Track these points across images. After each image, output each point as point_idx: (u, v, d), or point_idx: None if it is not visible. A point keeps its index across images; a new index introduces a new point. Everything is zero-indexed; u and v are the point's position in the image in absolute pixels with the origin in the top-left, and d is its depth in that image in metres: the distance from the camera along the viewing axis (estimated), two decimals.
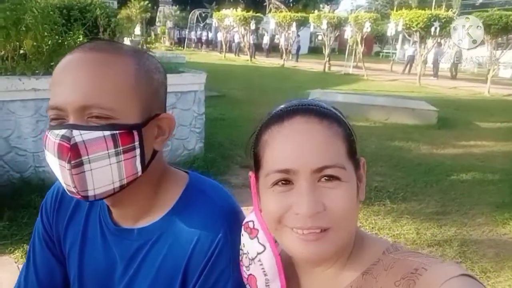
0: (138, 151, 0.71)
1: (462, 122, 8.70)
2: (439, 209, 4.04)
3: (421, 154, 6.05)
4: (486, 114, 9.87)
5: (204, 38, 32.12)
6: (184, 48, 29.15)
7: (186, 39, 30.87)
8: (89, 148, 0.66)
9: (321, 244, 0.60)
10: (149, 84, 0.73)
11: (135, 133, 0.70)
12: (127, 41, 5.61)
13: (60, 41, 3.52)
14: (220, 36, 26.12)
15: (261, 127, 0.67)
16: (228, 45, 25.68)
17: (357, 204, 0.65)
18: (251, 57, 23.21)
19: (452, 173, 5.18)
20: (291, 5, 38.23)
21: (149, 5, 25.91)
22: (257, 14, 22.65)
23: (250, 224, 0.71)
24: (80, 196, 0.69)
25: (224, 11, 23.67)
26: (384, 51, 34.93)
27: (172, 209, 0.79)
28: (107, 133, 0.67)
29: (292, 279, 0.72)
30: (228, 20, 22.42)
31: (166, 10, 32.20)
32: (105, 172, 0.68)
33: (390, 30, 16.68)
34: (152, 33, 17.96)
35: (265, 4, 34.13)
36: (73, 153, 0.65)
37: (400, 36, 28.19)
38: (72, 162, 0.65)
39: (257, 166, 0.68)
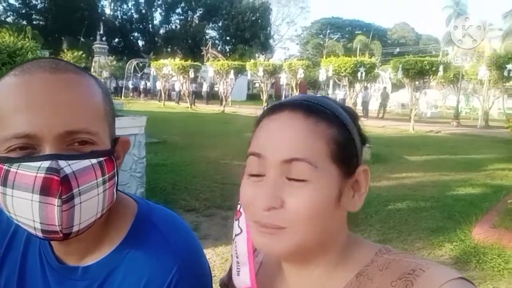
0: (116, 177, 0.67)
1: (393, 157, 9.30)
2: (380, 238, 4.19)
3: None
4: (413, 149, 10.67)
5: (142, 87, 31.89)
6: (121, 97, 28.62)
7: (123, 88, 30.44)
8: (79, 179, 0.59)
9: (274, 240, 0.58)
10: (110, 106, 0.70)
11: (113, 158, 0.66)
12: None
13: None
14: (159, 85, 26.13)
15: (257, 120, 0.67)
16: (168, 93, 25.69)
17: (331, 210, 0.60)
18: (191, 104, 23.34)
19: (389, 203, 5.45)
20: (228, 54, 39.66)
21: (84, 55, 25.46)
22: (196, 63, 23.08)
23: (238, 207, 0.70)
24: (61, 235, 0.60)
25: (162, 61, 23.89)
26: (317, 95, 37.04)
27: (121, 245, 0.71)
28: (94, 161, 0.62)
29: (282, 279, 0.70)
30: (167, 69, 22.59)
31: (102, 60, 31.72)
32: (93, 203, 0.62)
33: (322, 76, 17.87)
34: None
35: (202, 53, 35.12)
36: (64, 187, 0.58)
37: (331, 82, 30.19)
38: (63, 197, 0.58)
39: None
